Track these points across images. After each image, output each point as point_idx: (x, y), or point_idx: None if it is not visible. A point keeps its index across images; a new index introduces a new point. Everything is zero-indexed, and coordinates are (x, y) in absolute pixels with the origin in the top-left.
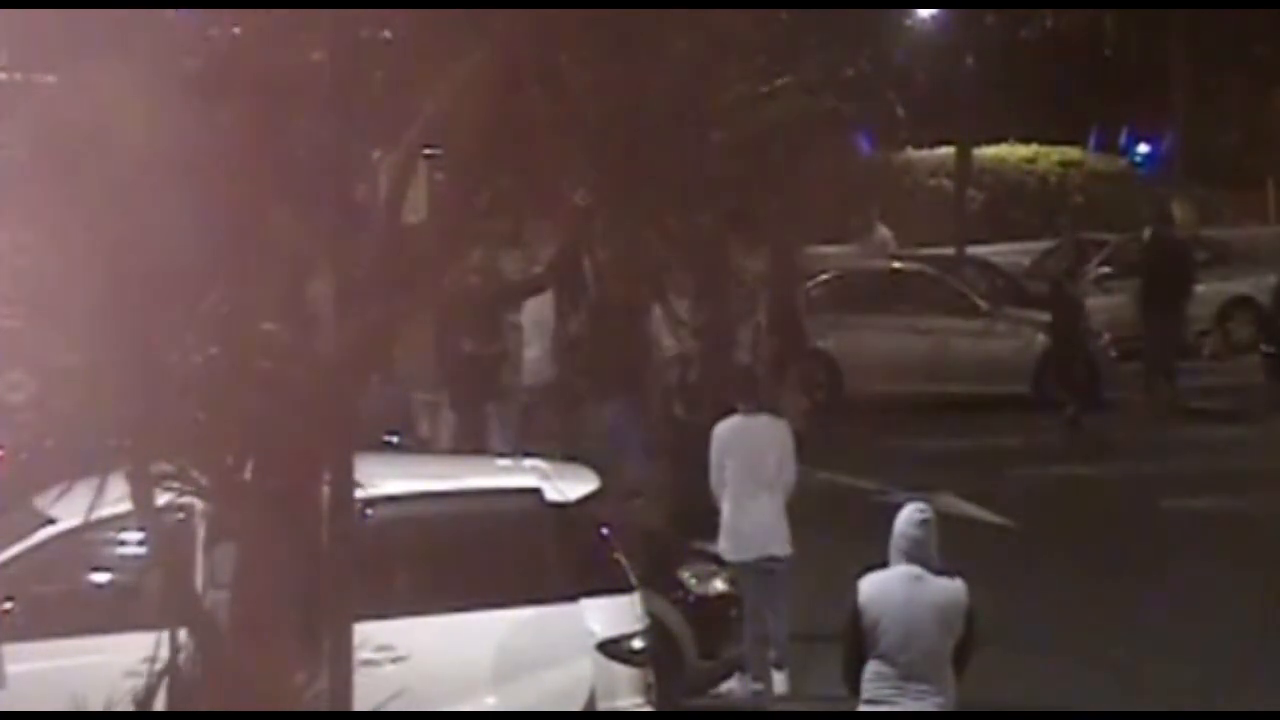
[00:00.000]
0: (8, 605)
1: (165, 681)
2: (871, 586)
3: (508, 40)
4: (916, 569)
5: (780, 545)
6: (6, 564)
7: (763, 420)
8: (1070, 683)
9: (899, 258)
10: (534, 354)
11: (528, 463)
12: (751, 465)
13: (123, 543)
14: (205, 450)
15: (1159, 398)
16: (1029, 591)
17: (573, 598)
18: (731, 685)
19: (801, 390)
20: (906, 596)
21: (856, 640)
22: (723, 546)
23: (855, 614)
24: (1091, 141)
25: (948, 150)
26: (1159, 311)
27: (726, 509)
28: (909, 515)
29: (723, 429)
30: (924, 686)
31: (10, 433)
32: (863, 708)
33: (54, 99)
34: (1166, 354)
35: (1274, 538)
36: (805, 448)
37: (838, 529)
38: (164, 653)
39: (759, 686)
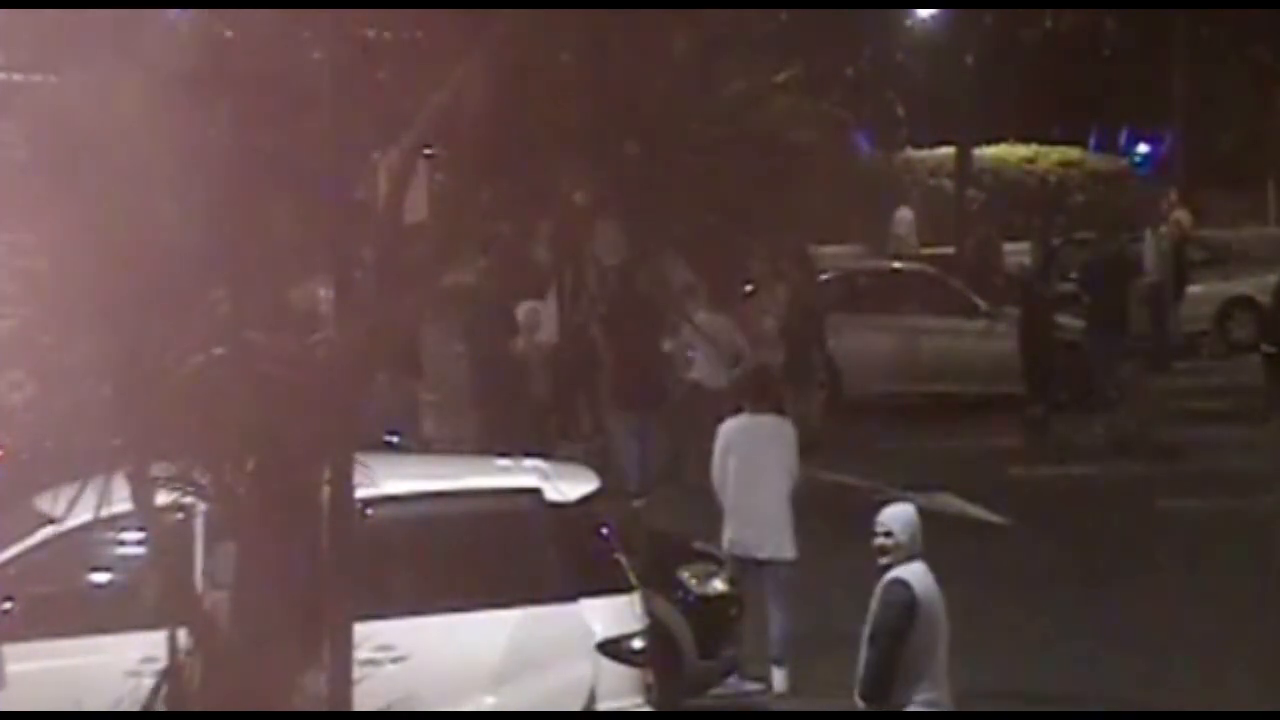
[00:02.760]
0: (8, 605)
1: (166, 682)
2: (918, 581)
3: (507, 40)
4: (923, 563)
5: (785, 544)
6: (6, 564)
7: (768, 419)
8: (1069, 682)
9: (899, 257)
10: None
11: (528, 463)
12: (755, 463)
13: (123, 543)
14: (205, 450)
15: (1113, 431)
16: (1028, 591)
17: (573, 598)
18: (730, 682)
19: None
20: (936, 588)
21: (905, 638)
22: (726, 542)
23: (911, 611)
24: (1091, 141)
25: (948, 150)
26: (1098, 334)
27: (730, 506)
28: (913, 510)
29: (728, 427)
30: (944, 680)
31: (10, 433)
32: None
33: (54, 99)
34: (1108, 378)
35: (1274, 538)
36: (820, 447)
37: (836, 529)
38: (164, 653)
39: (759, 686)
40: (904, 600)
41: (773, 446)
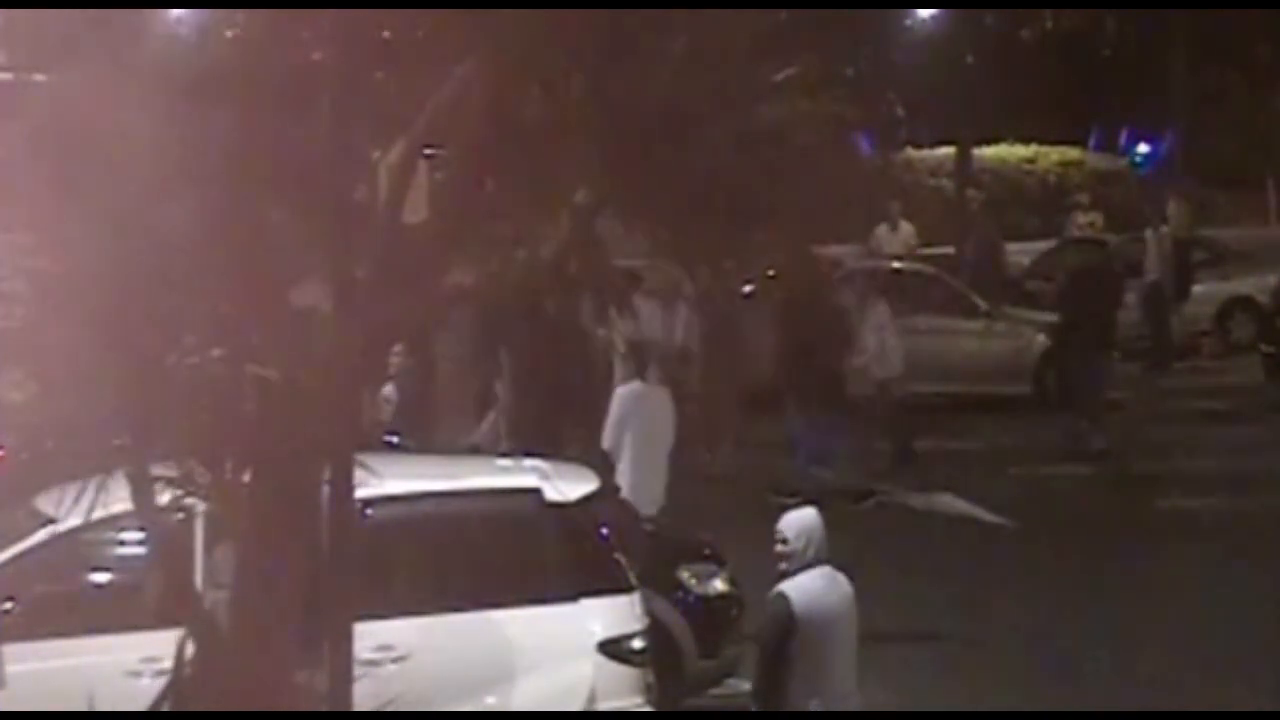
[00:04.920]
0: (8, 605)
1: (166, 682)
2: (802, 595)
3: (507, 40)
4: (827, 569)
5: (661, 497)
6: (6, 564)
7: (657, 389)
8: (1069, 683)
9: (899, 258)
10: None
11: (528, 463)
12: (652, 428)
13: (123, 543)
14: (205, 450)
15: (1086, 448)
16: (1028, 591)
17: (573, 598)
18: (730, 682)
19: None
20: (838, 598)
21: (785, 653)
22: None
23: (788, 626)
24: (1091, 141)
25: (948, 150)
26: (1078, 344)
27: (624, 467)
28: (814, 515)
29: (626, 394)
30: (849, 688)
31: (10, 433)
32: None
33: (54, 99)
34: (1092, 394)
35: (1274, 538)
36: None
37: (836, 529)
38: (164, 653)
39: None
40: (781, 614)
41: (661, 413)
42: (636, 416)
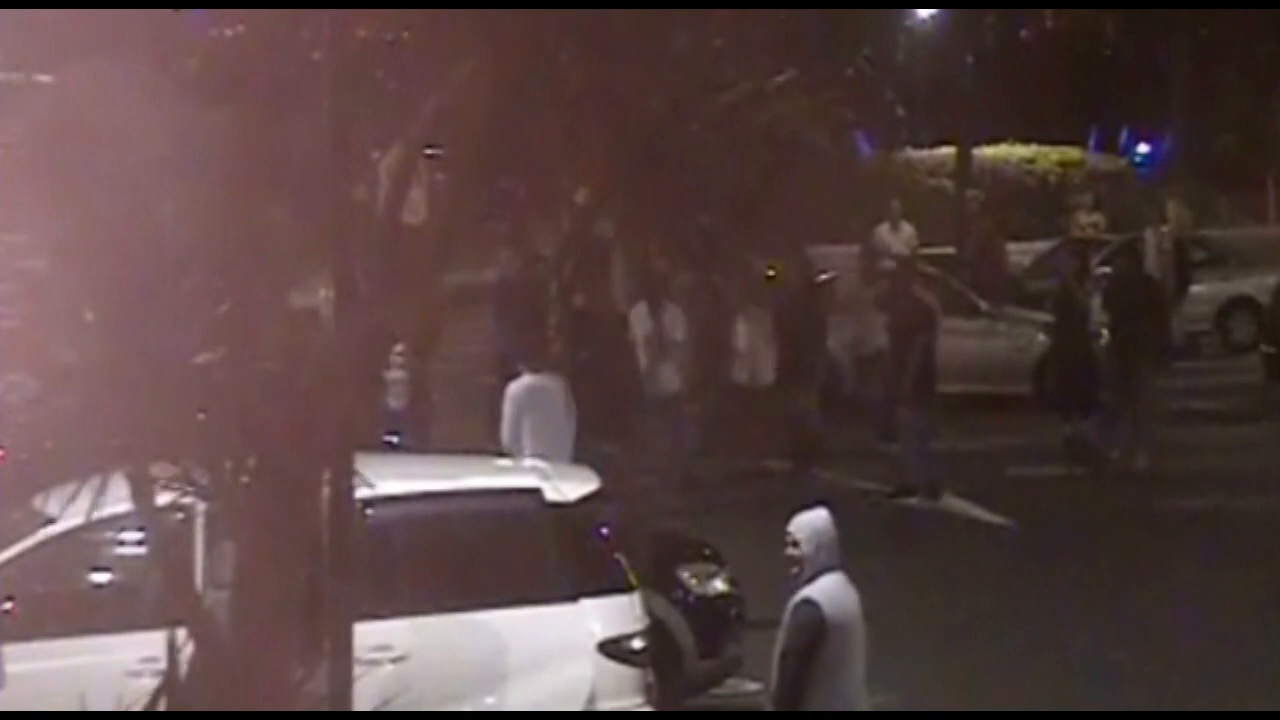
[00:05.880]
0: (8, 605)
1: (166, 681)
2: (828, 599)
3: (508, 41)
4: (839, 574)
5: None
6: (6, 564)
7: (549, 378)
8: (1069, 683)
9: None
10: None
11: (528, 463)
12: (551, 419)
13: (123, 543)
14: (205, 450)
15: (1134, 464)
16: (1028, 591)
17: (573, 598)
18: (730, 682)
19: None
20: (853, 601)
21: (814, 659)
22: None
23: (819, 632)
24: (1091, 141)
25: (948, 150)
26: (1120, 350)
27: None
28: (826, 518)
29: (518, 389)
30: (862, 691)
31: (10, 433)
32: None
33: (54, 99)
34: (1136, 402)
35: (1274, 538)
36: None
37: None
38: (164, 653)
39: (759, 686)
40: (813, 620)
41: (559, 401)
42: (532, 410)
